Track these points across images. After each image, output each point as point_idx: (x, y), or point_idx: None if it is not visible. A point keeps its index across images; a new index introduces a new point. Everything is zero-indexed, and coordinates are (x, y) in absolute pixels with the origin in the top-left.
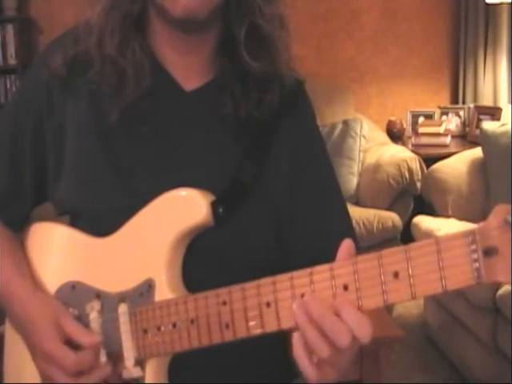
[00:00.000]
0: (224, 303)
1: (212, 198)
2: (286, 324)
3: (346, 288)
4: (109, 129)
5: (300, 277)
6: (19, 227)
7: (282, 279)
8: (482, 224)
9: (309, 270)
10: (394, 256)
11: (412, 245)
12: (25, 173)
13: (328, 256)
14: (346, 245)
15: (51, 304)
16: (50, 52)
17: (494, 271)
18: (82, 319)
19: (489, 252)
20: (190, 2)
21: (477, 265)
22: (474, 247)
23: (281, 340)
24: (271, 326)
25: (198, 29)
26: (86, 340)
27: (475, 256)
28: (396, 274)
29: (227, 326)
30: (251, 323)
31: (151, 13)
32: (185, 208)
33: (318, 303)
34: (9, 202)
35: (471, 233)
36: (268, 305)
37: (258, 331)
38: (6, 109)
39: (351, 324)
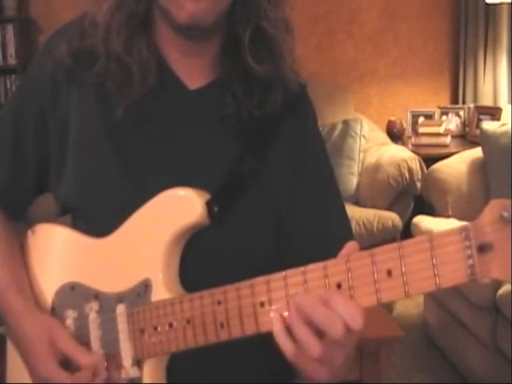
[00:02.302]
0: (219, 303)
1: (207, 196)
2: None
3: (339, 286)
4: (114, 124)
5: (293, 275)
6: (20, 216)
7: (276, 278)
8: (476, 220)
9: (302, 268)
10: (387, 254)
11: (405, 242)
12: (27, 162)
13: (326, 256)
14: (349, 247)
15: (46, 323)
16: (54, 42)
17: (488, 268)
18: (81, 320)
19: (483, 248)
20: (196, 8)
21: (471, 261)
22: (467, 243)
23: None
24: (265, 326)
25: (202, 35)
26: (85, 361)
27: (469, 252)
28: (389, 272)
29: (222, 325)
30: (245, 323)
31: (156, 14)
32: (180, 207)
33: (308, 296)
34: (10, 191)
35: (465, 229)
36: (262, 304)
37: (253, 331)
38: (10, 100)
39: (342, 312)
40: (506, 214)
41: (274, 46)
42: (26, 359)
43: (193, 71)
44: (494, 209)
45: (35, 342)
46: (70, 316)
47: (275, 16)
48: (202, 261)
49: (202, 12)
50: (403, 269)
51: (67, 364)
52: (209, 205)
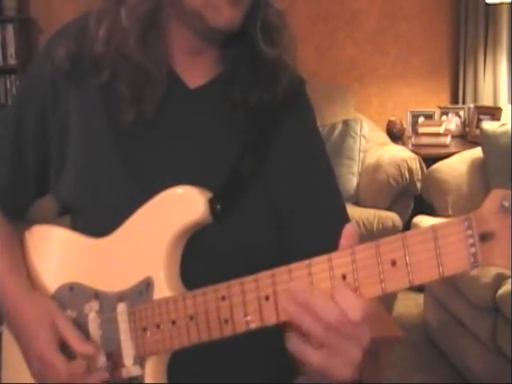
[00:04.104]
0: (223, 298)
1: (209, 195)
2: (284, 317)
3: (344, 278)
4: (116, 125)
5: (298, 269)
6: (20, 216)
7: (281, 272)
8: (477, 209)
9: (307, 261)
10: (391, 244)
11: (409, 232)
12: (28, 163)
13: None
14: (348, 232)
15: (47, 305)
16: (53, 44)
17: (490, 256)
18: (81, 320)
19: (485, 237)
20: (234, 14)
21: (473, 250)
22: (470, 232)
23: (281, 340)
24: (270, 320)
25: (222, 37)
26: (80, 349)
27: (471, 241)
28: (394, 263)
29: (226, 321)
30: (250, 317)
31: (167, 15)
32: (182, 206)
33: (300, 285)
34: (11, 192)
35: (467, 218)
36: (267, 298)
37: (257, 325)
38: (12, 101)
39: (338, 299)
40: (506, 204)
41: (280, 34)
42: (22, 342)
43: (195, 70)
44: (495, 199)
45: (36, 324)
46: (69, 316)
47: (276, 7)
48: (203, 259)
49: (238, 17)
50: (407, 258)
51: (66, 353)
52: (211, 203)
